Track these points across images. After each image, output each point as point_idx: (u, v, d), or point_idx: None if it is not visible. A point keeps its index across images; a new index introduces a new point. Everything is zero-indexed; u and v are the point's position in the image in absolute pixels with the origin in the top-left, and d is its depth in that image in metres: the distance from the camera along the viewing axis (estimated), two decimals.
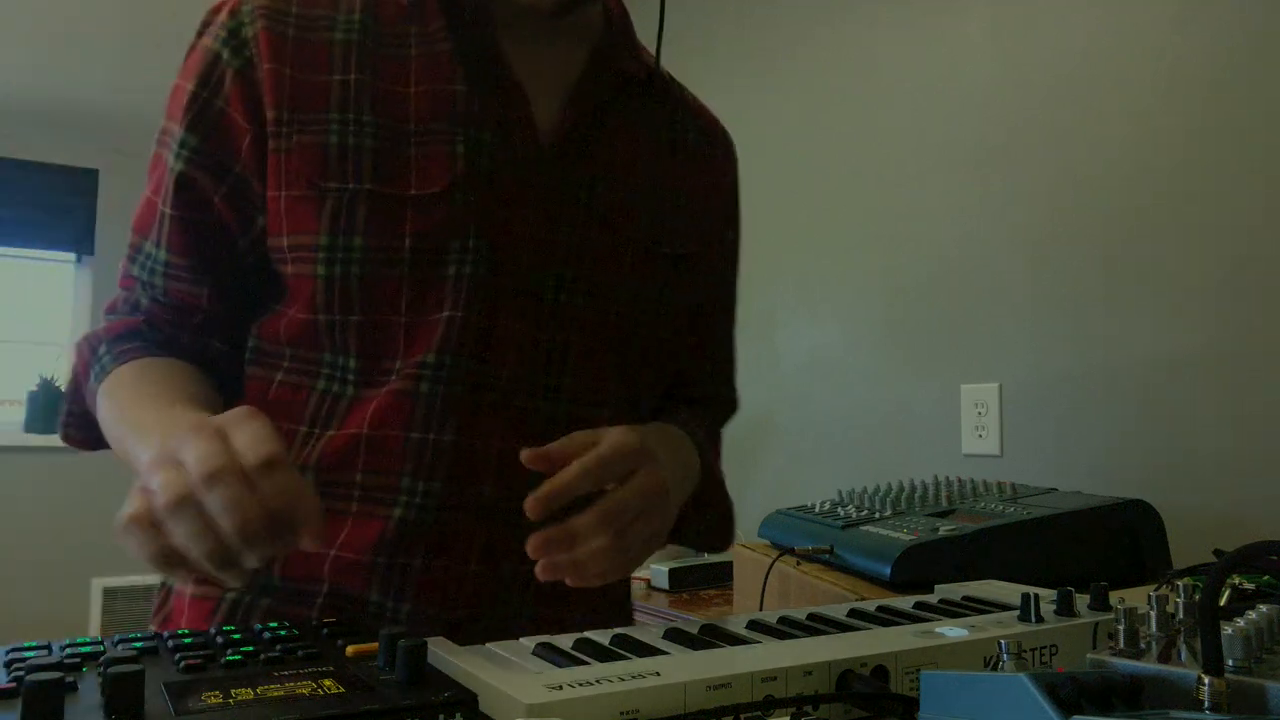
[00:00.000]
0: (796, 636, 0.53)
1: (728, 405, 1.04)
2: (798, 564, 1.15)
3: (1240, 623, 0.41)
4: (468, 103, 0.75)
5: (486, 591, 0.74)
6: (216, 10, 0.77)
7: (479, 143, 0.74)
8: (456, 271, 0.73)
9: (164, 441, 0.56)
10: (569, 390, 0.78)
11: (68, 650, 0.44)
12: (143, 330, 0.79)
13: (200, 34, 0.77)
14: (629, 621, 0.88)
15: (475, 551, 0.74)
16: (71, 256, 4.22)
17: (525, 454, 0.64)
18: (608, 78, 0.83)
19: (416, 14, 0.76)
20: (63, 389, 0.84)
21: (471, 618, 0.74)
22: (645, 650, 0.50)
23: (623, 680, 0.42)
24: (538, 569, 0.63)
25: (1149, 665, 0.41)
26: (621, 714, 0.40)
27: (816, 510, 1.28)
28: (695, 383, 0.96)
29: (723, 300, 0.98)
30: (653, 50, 0.91)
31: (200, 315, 0.78)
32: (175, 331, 0.79)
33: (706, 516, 0.91)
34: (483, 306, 0.74)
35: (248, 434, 0.54)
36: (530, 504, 0.62)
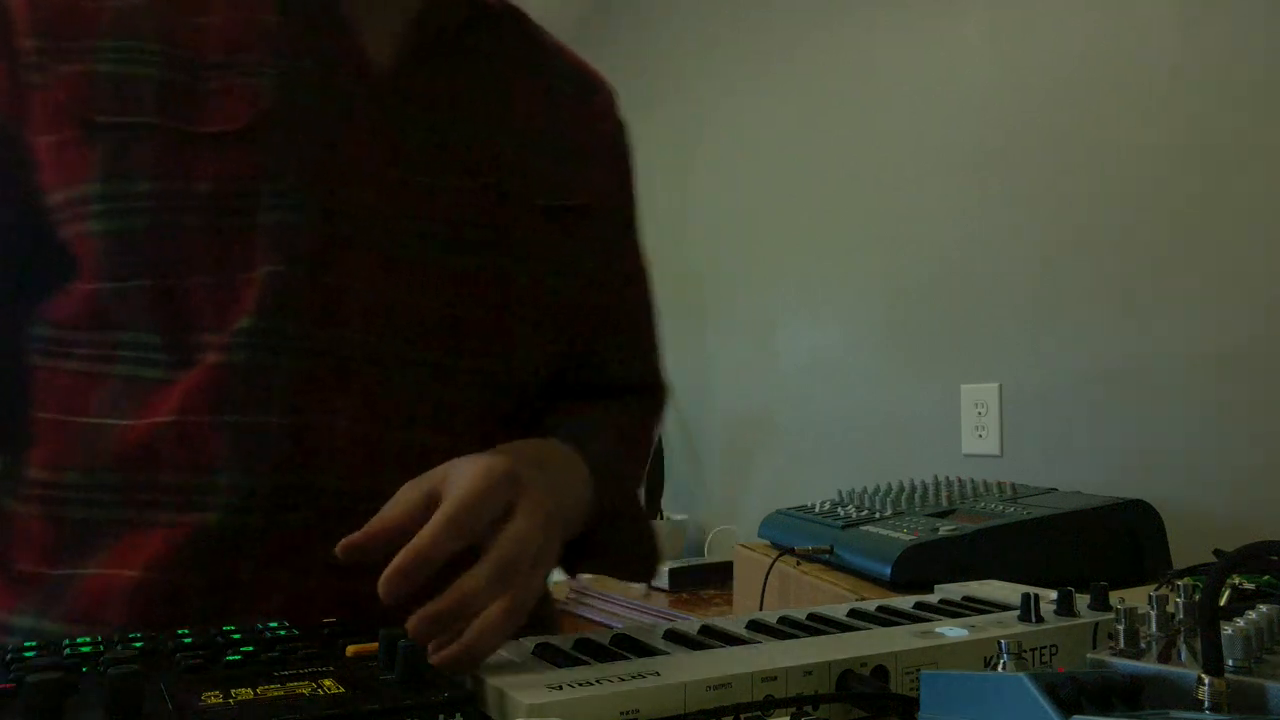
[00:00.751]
0: (796, 636, 0.53)
1: (651, 392, 0.89)
2: (798, 564, 1.15)
3: (1240, 623, 0.41)
4: (280, 32, 0.64)
5: (340, 611, 0.57)
6: None
7: (294, 74, 0.64)
8: (272, 220, 0.61)
9: None
10: (433, 363, 0.66)
11: (68, 650, 0.44)
12: None
13: None
14: (552, 631, 0.70)
15: (318, 562, 0.60)
16: None
17: (340, 547, 0.50)
18: (455, 6, 0.71)
19: None
20: None
21: None
22: (645, 650, 0.50)
23: (623, 680, 0.42)
24: (431, 656, 0.46)
25: (1149, 665, 0.41)
26: (621, 714, 0.40)
27: (816, 510, 1.28)
28: (603, 365, 0.83)
29: (621, 267, 0.84)
30: None
31: None
32: None
33: (619, 540, 0.72)
34: (313, 260, 0.62)
35: None
36: (381, 588, 0.47)
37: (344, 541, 0.50)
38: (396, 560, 0.48)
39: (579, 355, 0.79)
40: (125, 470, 0.61)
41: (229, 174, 0.61)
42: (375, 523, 0.51)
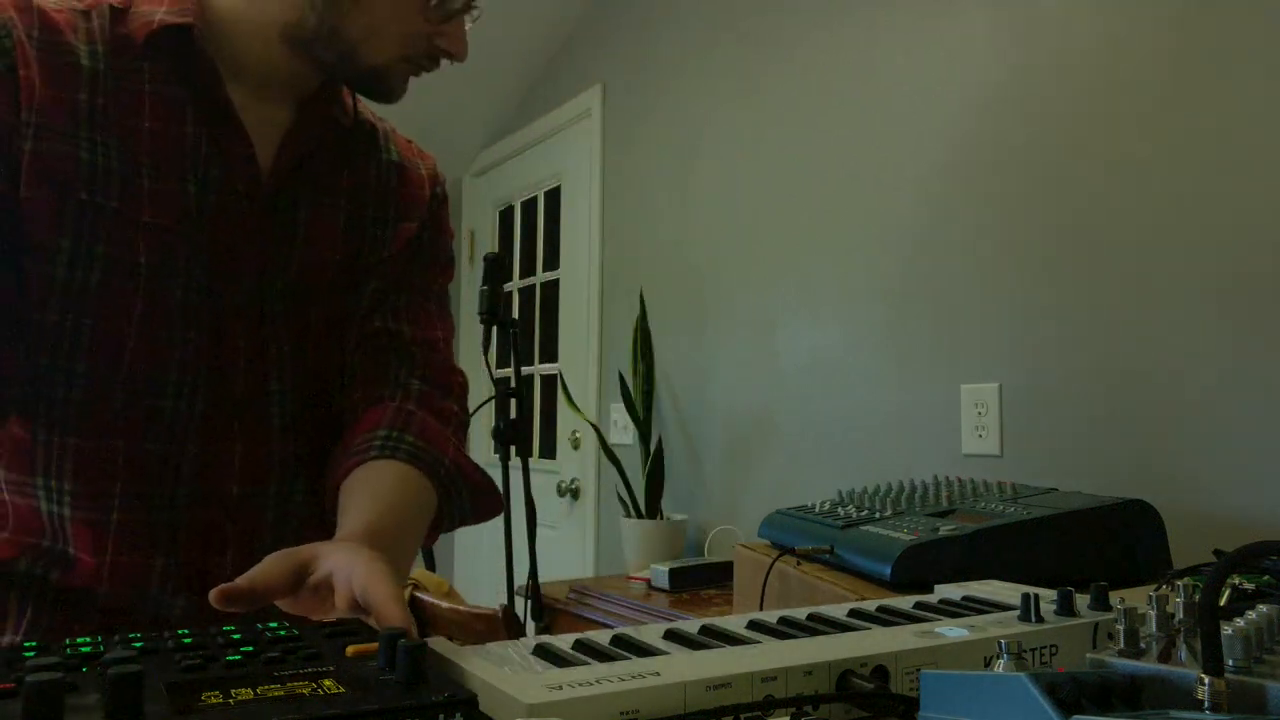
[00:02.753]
0: (796, 636, 0.53)
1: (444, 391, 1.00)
2: (798, 564, 1.15)
3: (1240, 623, 0.41)
4: (196, 145, 0.84)
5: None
6: None
7: (208, 181, 0.84)
8: (185, 299, 0.83)
9: None
10: (292, 390, 0.89)
11: (68, 650, 0.44)
12: None
13: None
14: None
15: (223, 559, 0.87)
16: None
17: (215, 595, 0.58)
18: (316, 125, 0.91)
19: (150, 53, 0.83)
20: None
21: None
22: (645, 650, 0.50)
23: (623, 680, 0.42)
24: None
25: (1149, 665, 0.41)
26: (621, 714, 0.40)
27: (816, 510, 1.28)
28: (363, 390, 0.96)
29: (403, 298, 0.99)
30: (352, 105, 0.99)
31: None
32: None
33: (460, 500, 0.91)
34: (212, 329, 0.85)
35: None
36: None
37: (219, 591, 0.58)
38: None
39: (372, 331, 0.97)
40: (80, 480, 0.82)
41: (159, 251, 0.82)
42: (245, 581, 0.60)
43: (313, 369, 0.92)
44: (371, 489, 0.82)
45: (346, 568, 0.61)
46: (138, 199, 0.81)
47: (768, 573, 1.17)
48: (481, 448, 3.45)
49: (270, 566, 0.62)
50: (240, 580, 0.59)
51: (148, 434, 0.83)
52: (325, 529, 0.83)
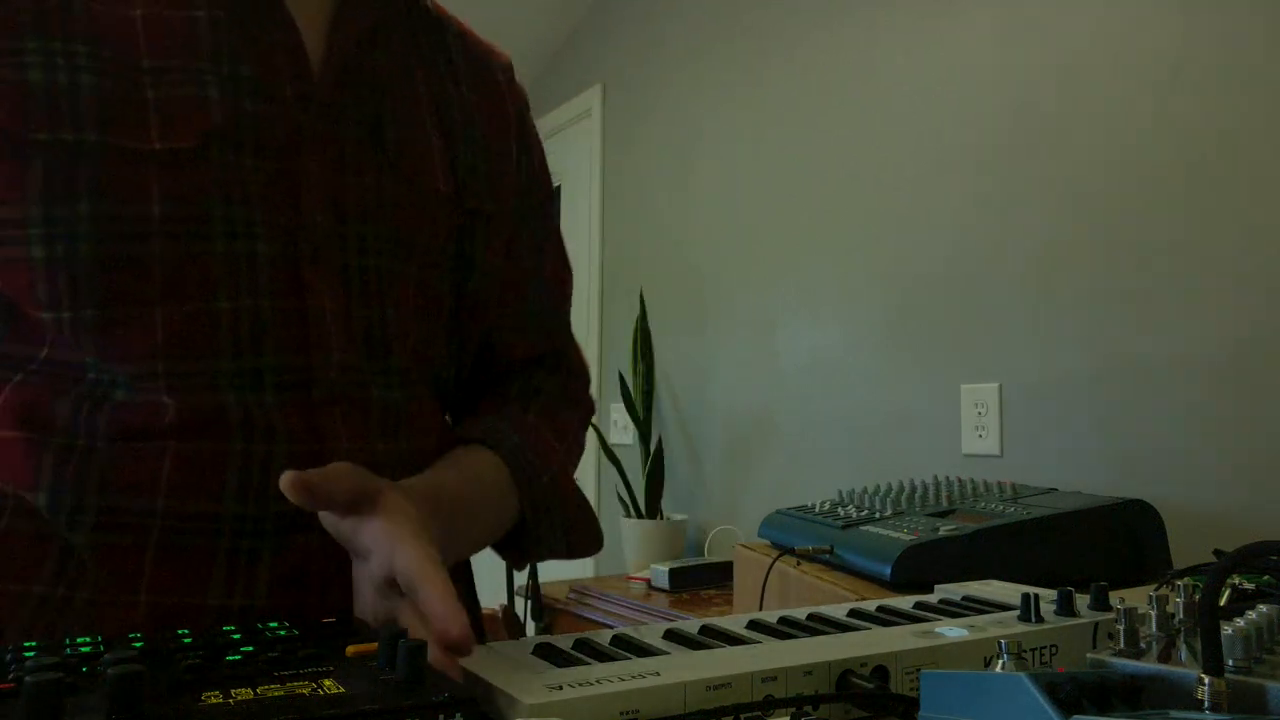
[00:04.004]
0: (796, 636, 0.53)
1: (572, 372, 0.86)
2: (798, 564, 1.15)
3: (1240, 623, 0.41)
4: (215, 31, 0.60)
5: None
6: None
7: (237, 82, 0.60)
8: (229, 248, 0.59)
9: None
10: (398, 370, 0.67)
11: (68, 650, 0.44)
12: None
13: None
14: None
15: (326, 581, 0.61)
16: None
17: (288, 481, 0.51)
18: (370, 3, 0.68)
19: None
20: None
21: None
22: (645, 650, 0.50)
23: (623, 680, 0.42)
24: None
25: (1149, 665, 0.41)
26: (621, 714, 0.40)
27: (816, 510, 1.28)
28: (519, 339, 0.81)
29: (533, 238, 0.82)
30: None
31: None
32: None
33: (549, 528, 0.74)
34: (278, 287, 0.60)
35: None
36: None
37: (297, 479, 0.50)
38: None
39: (496, 345, 0.80)
40: (128, 496, 0.59)
41: (181, 196, 0.57)
42: (317, 476, 0.52)
43: (418, 349, 0.69)
44: (456, 460, 0.68)
45: (389, 541, 0.52)
46: (140, 121, 0.57)
47: (768, 573, 1.17)
48: None
49: (340, 480, 0.53)
50: (313, 474, 0.51)
51: (206, 438, 0.59)
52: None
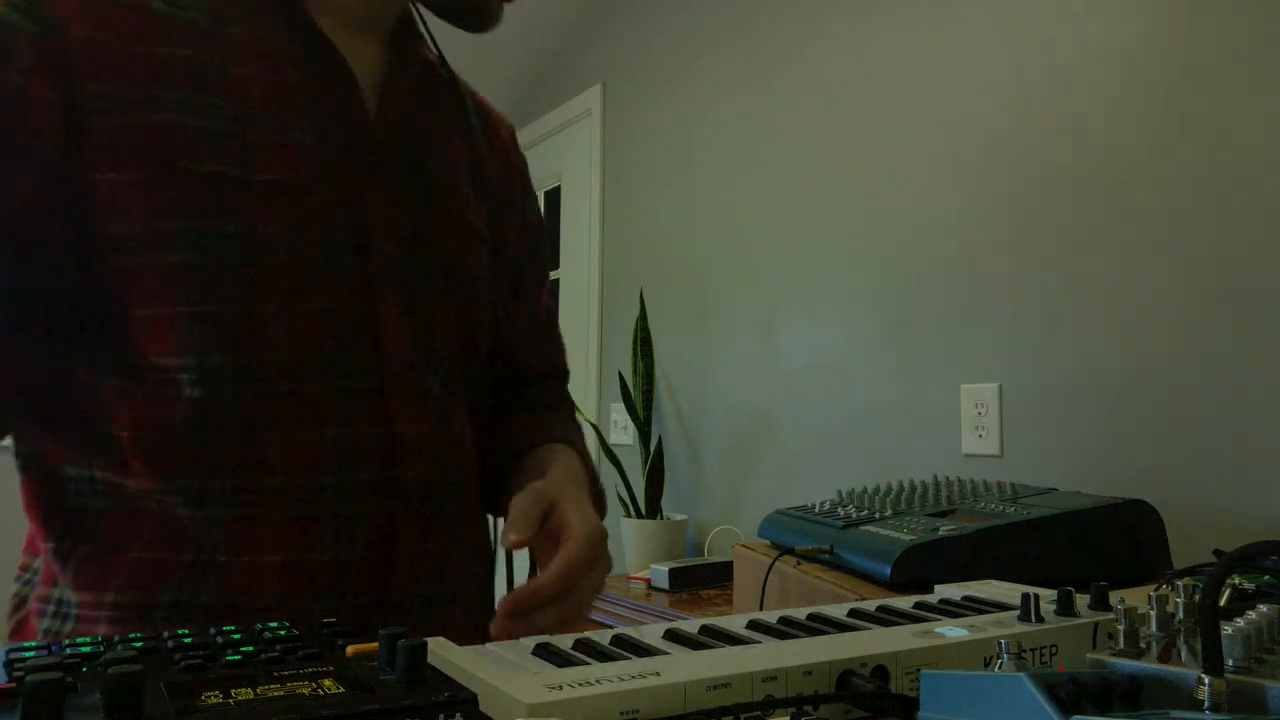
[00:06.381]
0: (796, 636, 0.53)
1: (564, 375, 1.06)
2: (798, 564, 1.15)
3: (1240, 623, 0.41)
4: (303, 89, 0.73)
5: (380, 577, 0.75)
6: None
7: (323, 130, 0.73)
8: (326, 264, 0.72)
9: None
10: (445, 372, 0.80)
11: (68, 650, 0.44)
12: None
13: None
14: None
15: (410, 535, 0.76)
16: None
17: (511, 542, 0.69)
18: (415, 65, 0.83)
19: None
20: None
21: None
22: (645, 650, 0.50)
23: (623, 680, 0.42)
24: (495, 626, 0.67)
25: (1149, 665, 0.41)
26: (621, 714, 0.40)
27: (816, 510, 1.28)
28: (537, 358, 1.00)
29: (537, 275, 1.01)
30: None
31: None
32: None
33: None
34: (357, 295, 0.73)
35: None
36: (502, 616, 0.67)
37: (513, 541, 0.69)
38: (518, 593, 0.67)
39: (516, 357, 0.97)
40: (235, 476, 0.69)
41: (286, 220, 0.70)
42: (526, 527, 0.70)
43: (465, 349, 0.83)
44: (568, 457, 0.87)
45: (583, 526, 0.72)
46: (249, 156, 0.69)
47: (768, 573, 1.17)
48: None
49: (531, 514, 0.71)
50: (517, 534, 0.69)
51: (304, 423, 0.71)
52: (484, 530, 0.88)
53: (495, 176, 0.92)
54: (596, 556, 0.72)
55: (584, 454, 0.92)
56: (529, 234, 0.98)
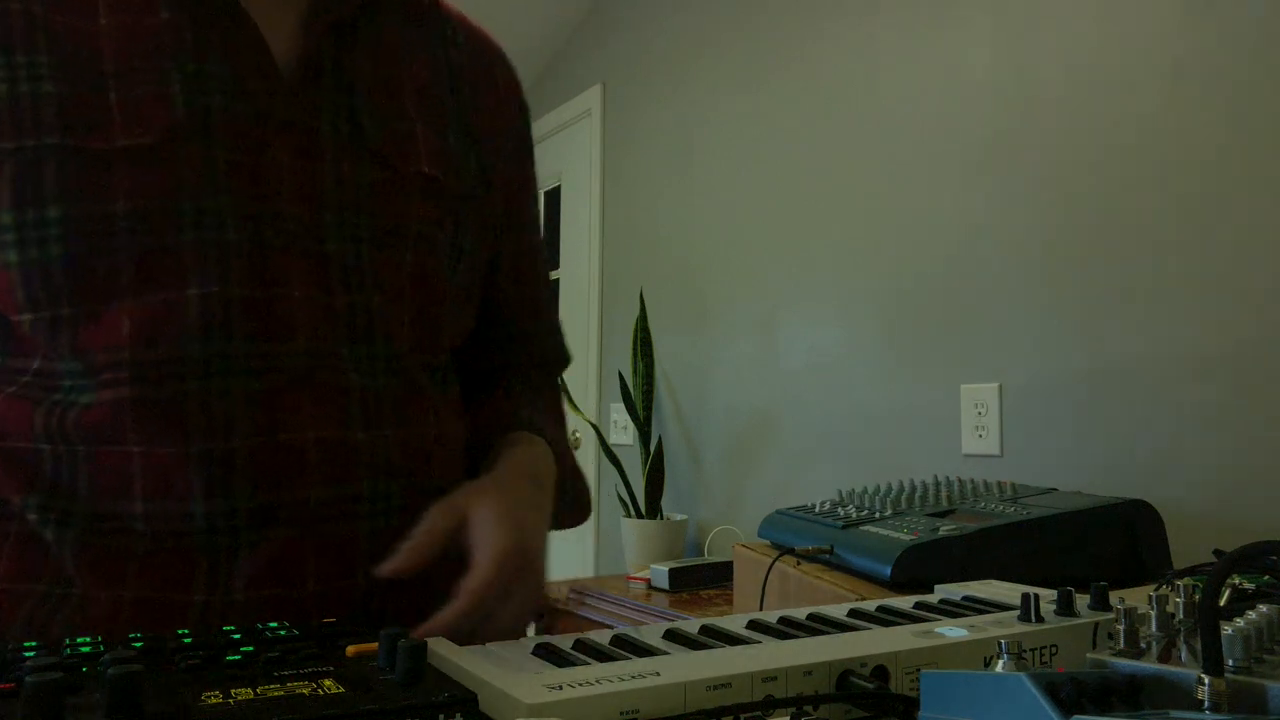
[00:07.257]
0: (796, 636, 0.53)
1: (560, 355, 0.92)
2: (798, 564, 1.15)
3: (1240, 623, 0.41)
4: (178, 33, 0.61)
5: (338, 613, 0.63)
6: None
7: (201, 78, 0.61)
8: (197, 237, 0.60)
9: None
10: (382, 356, 0.67)
11: (68, 650, 0.44)
12: None
13: None
14: None
15: (310, 573, 0.63)
16: None
17: (382, 572, 0.60)
18: None
19: None
20: None
21: None
22: (645, 650, 0.50)
23: (623, 680, 0.42)
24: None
25: (1149, 665, 0.41)
26: (621, 714, 0.40)
27: (816, 510, 1.28)
28: (526, 337, 0.86)
29: (531, 242, 0.86)
30: None
31: None
32: None
33: (564, 502, 0.82)
34: (247, 274, 0.61)
35: None
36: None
37: (385, 569, 0.60)
38: (426, 629, 0.57)
39: (509, 334, 0.85)
40: (94, 500, 0.60)
41: (146, 192, 0.59)
42: (410, 553, 0.60)
43: (416, 336, 0.70)
44: (524, 447, 0.75)
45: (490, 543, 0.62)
46: (103, 122, 0.58)
47: (768, 573, 1.17)
48: None
49: (431, 526, 0.62)
50: (405, 553, 0.60)
51: (166, 436, 0.59)
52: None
53: (477, 124, 0.77)
54: (509, 582, 0.61)
55: (555, 440, 0.79)
56: (520, 198, 0.83)
